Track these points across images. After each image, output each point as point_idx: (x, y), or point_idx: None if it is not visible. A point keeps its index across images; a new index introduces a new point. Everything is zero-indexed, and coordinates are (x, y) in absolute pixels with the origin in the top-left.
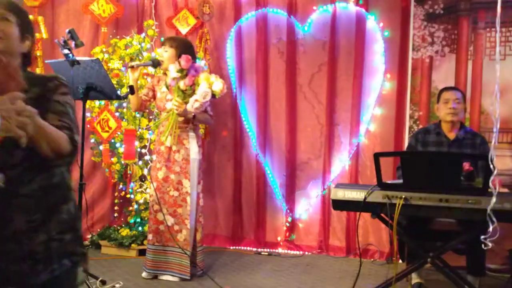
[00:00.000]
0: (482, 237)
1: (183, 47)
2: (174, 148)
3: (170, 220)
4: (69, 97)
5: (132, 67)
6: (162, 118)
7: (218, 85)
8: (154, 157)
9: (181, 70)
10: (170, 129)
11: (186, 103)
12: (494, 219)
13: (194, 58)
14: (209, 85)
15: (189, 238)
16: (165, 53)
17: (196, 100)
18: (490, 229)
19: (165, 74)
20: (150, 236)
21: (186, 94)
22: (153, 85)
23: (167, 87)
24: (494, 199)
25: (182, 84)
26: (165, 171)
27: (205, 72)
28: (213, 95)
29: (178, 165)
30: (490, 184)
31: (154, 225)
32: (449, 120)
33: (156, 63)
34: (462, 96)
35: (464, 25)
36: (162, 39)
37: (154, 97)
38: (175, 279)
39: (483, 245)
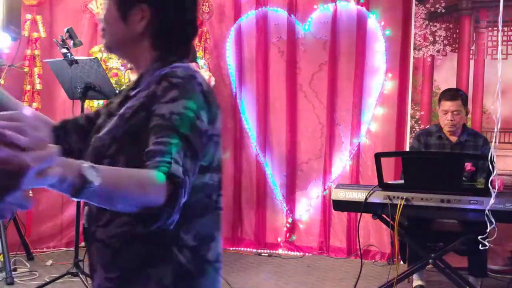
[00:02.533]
0: (480, 237)
1: None
2: None
3: None
4: (184, 103)
5: (131, 68)
6: None
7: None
8: None
9: None
10: None
11: None
12: (492, 219)
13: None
14: None
15: None
16: None
17: None
18: (488, 229)
19: None
20: None
21: None
22: None
23: None
24: (492, 199)
25: None
26: None
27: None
28: None
29: None
30: (489, 184)
31: None
32: (447, 131)
33: None
34: (463, 103)
35: (465, 24)
36: None
37: None
38: None
39: (480, 245)
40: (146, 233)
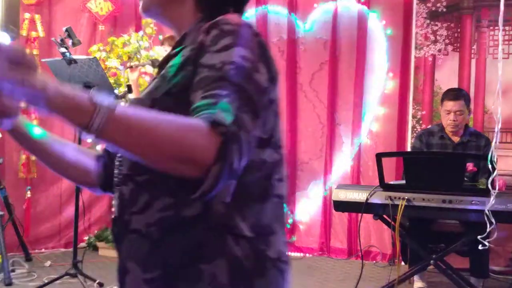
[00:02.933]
0: (479, 237)
1: None
2: None
3: None
4: (240, 51)
5: (131, 67)
6: None
7: None
8: None
9: None
10: None
11: None
12: (492, 219)
13: None
14: None
15: None
16: (165, 52)
17: None
18: (488, 229)
19: None
20: None
21: None
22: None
23: None
24: (492, 200)
25: None
26: None
27: None
28: None
29: None
30: (489, 185)
31: None
32: (450, 131)
33: (155, 63)
34: (465, 103)
35: (467, 24)
36: (160, 37)
37: None
38: None
39: (480, 245)
40: (195, 218)
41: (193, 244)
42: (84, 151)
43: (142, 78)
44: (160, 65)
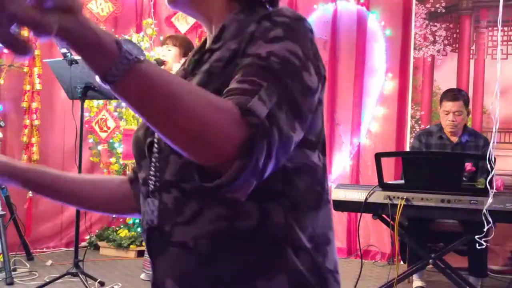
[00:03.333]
0: (477, 236)
1: (186, 45)
2: None
3: None
4: (290, 45)
5: None
6: None
7: None
8: None
9: None
10: None
11: None
12: (490, 219)
13: None
14: None
15: None
16: (168, 51)
17: None
18: (486, 228)
19: None
20: None
21: None
22: None
23: None
24: (490, 199)
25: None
26: None
27: None
28: None
29: None
30: (487, 184)
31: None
32: (448, 131)
33: (160, 63)
34: (464, 104)
35: (466, 24)
36: (161, 38)
37: None
38: None
39: (477, 245)
40: (251, 230)
41: (250, 260)
42: (108, 180)
43: None
44: (196, 60)
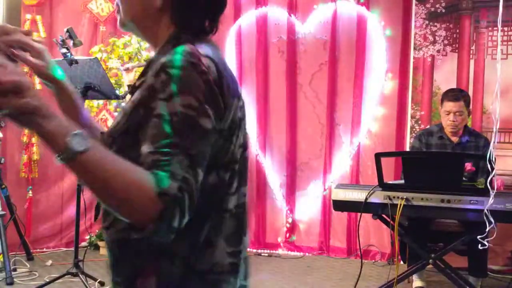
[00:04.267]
0: (479, 236)
1: None
2: None
3: None
4: (184, 100)
5: (127, 69)
6: None
7: None
8: None
9: None
10: None
11: None
12: (491, 219)
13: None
14: None
15: None
16: None
17: None
18: (488, 228)
19: None
20: None
21: None
22: None
23: None
24: (491, 199)
25: None
26: None
27: None
28: None
29: None
30: (488, 184)
31: None
32: (449, 132)
33: None
34: (465, 104)
35: (466, 24)
36: None
37: None
38: None
39: (479, 245)
40: (138, 242)
41: (135, 263)
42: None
43: None
44: (131, 92)
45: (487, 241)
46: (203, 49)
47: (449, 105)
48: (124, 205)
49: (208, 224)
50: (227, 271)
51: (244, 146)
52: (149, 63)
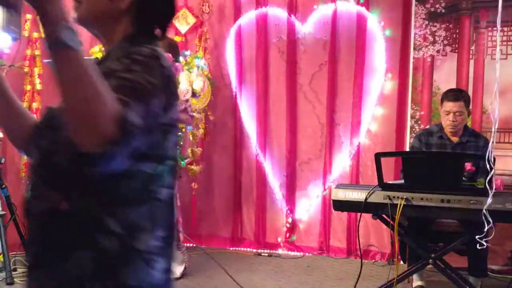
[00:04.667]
0: (477, 236)
1: (171, 48)
2: None
3: None
4: (144, 76)
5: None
6: None
7: (198, 83)
8: None
9: None
10: None
11: None
12: (490, 218)
13: (177, 57)
14: (189, 83)
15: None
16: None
17: None
18: (486, 228)
19: None
20: None
21: None
22: None
23: None
24: (490, 199)
25: None
26: None
27: (187, 71)
28: (193, 94)
29: None
30: (486, 184)
31: None
32: (449, 132)
33: None
34: (465, 104)
35: (465, 24)
36: None
37: None
38: None
39: (478, 245)
40: (70, 213)
41: (68, 235)
42: (28, 116)
43: None
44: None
45: (486, 241)
46: (162, 51)
47: (449, 105)
48: (91, 115)
49: (144, 209)
50: (158, 253)
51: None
52: (107, 55)
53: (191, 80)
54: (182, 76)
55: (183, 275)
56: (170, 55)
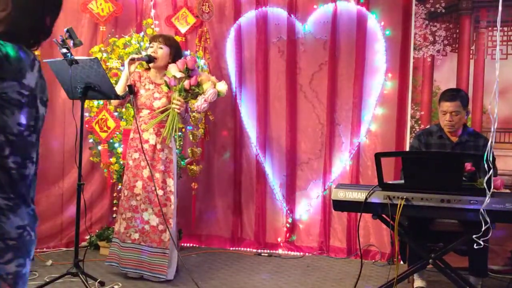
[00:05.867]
0: (475, 236)
1: (177, 47)
2: (158, 146)
3: (155, 220)
4: None
5: (133, 59)
6: (158, 118)
7: (222, 85)
8: (136, 155)
9: (186, 70)
10: (170, 128)
11: (187, 102)
12: (487, 218)
13: (180, 58)
14: (213, 85)
15: (175, 237)
16: (159, 49)
17: (205, 100)
18: (483, 228)
19: (146, 70)
20: (136, 235)
21: (189, 94)
22: (134, 80)
23: (167, 86)
24: (488, 199)
25: (186, 84)
26: (149, 170)
27: (205, 72)
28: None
29: (162, 163)
30: (484, 184)
31: (142, 224)
32: (447, 131)
33: (151, 59)
34: (462, 104)
35: (465, 24)
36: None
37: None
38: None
39: (475, 244)
40: None
41: None
42: None
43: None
44: None
45: (486, 241)
46: (13, 46)
47: (445, 105)
48: None
49: None
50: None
51: (30, 130)
52: None
53: (214, 82)
54: (204, 78)
55: (177, 275)
56: (195, 57)
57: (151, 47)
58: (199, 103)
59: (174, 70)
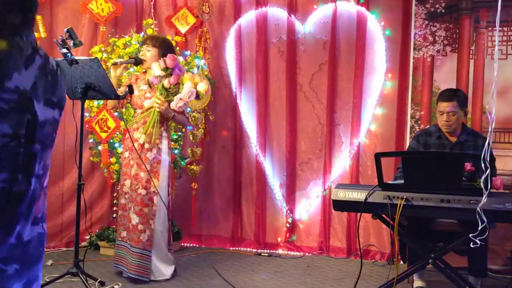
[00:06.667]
0: (471, 235)
1: (165, 47)
2: (146, 146)
3: (135, 219)
4: None
5: (115, 64)
6: (140, 116)
7: (202, 85)
8: (126, 154)
9: (166, 69)
10: (150, 126)
11: (169, 101)
12: (484, 218)
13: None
14: (194, 85)
15: (152, 239)
16: (147, 52)
17: (181, 99)
18: (480, 227)
19: (144, 72)
20: (124, 233)
21: (170, 92)
22: (131, 83)
23: (149, 85)
24: (484, 199)
25: (166, 82)
26: (135, 169)
27: (190, 72)
28: (197, 96)
29: (149, 163)
30: (482, 184)
31: (128, 223)
32: (444, 131)
33: (138, 61)
34: (459, 104)
35: (465, 24)
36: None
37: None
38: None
39: (472, 243)
40: None
41: None
42: None
43: (125, 76)
44: None
45: (485, 240)
46: None
47: (442, 105)
48: None
49: None
50: None
51: (19, 139)
52: None
53: (195, 82)
54: (186, 77)
55: (174, 275)
56: (175, 55)
57: (142, 50)
58: (175, 102)
59: (155, 68)
